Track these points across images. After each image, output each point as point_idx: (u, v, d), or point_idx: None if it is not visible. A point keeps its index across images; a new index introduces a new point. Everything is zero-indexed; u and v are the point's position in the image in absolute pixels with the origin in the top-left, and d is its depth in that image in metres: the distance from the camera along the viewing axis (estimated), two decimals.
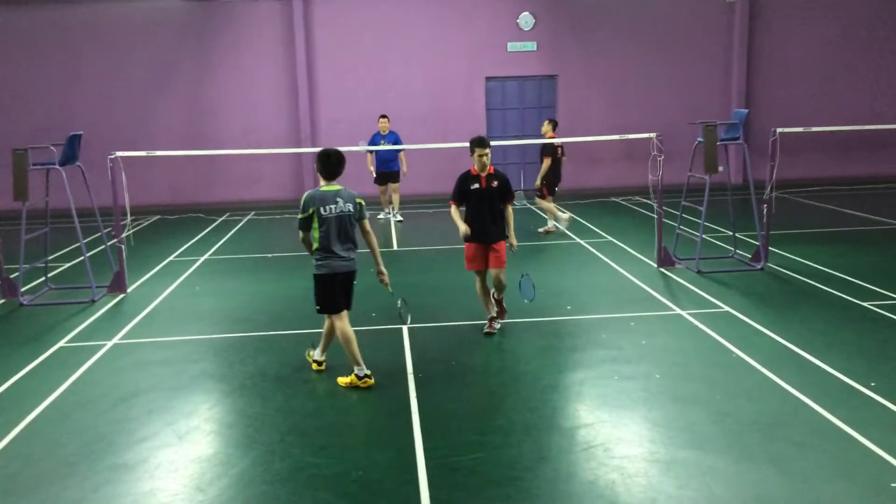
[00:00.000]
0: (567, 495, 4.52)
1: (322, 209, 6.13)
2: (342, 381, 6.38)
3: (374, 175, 15.02)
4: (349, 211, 6.23)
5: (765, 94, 19.43)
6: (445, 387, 6.21)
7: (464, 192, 7.47)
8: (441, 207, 16.74)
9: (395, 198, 15.16)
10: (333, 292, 6.29)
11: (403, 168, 15.04)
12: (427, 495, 4.54)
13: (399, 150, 14.74)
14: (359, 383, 6.26)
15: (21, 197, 8.98)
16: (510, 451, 5.08)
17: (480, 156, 7.37)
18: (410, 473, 4.82)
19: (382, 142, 14.58)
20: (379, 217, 15.24)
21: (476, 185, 7.41)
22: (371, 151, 14.78)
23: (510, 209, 7.57)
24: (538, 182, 13.15)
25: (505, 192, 7.51)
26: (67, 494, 4.68)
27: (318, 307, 6.34)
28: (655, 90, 19.22)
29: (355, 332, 6.37)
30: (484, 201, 7.42)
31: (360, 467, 4.92)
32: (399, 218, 15.13)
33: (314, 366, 6.75)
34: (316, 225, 6.17)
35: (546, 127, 13.15)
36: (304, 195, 6.24)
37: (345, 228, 6.24)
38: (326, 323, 6.53)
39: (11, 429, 5.64)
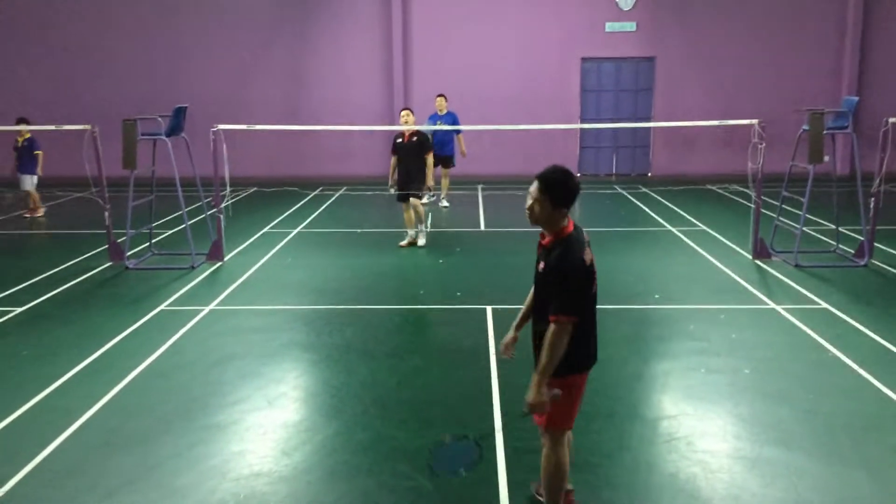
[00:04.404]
0: (646, 486, 4.47)
1: None
2: None
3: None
4: None
5: (879, 81, 18.39)
6: (527, 369, 6.19)
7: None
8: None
9: (445, 182, 14.22)
10: None
11: (462, 148, 13.91)
12: (504, 475, 4.58)
13: (457, 132, 13.56)
14: None
15: (130, 165, 9.41)
16: (591, 437, 5.06)
17: (530, 193, 3.79)
18: (488, 452, 4.86)
19: (439, 122, 13.47)
20: (439, 203, 14.53)
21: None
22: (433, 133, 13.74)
23: (549, 330, 3.81)
24: (431, 182, 11.08)
25: (548, 288, 3.82)
26: (164, 450, 4.94)
27: None
28: (759, 74, 18.49)
29: (441, 310, 6.38)
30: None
31: None
32: (445, 203, 14.30)
33: None
34: None
35: (411, 117, 10.87)
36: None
37: None
38: None
39: (115, 385, 5.98)
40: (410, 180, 10.71)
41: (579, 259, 3.71)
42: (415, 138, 10.73)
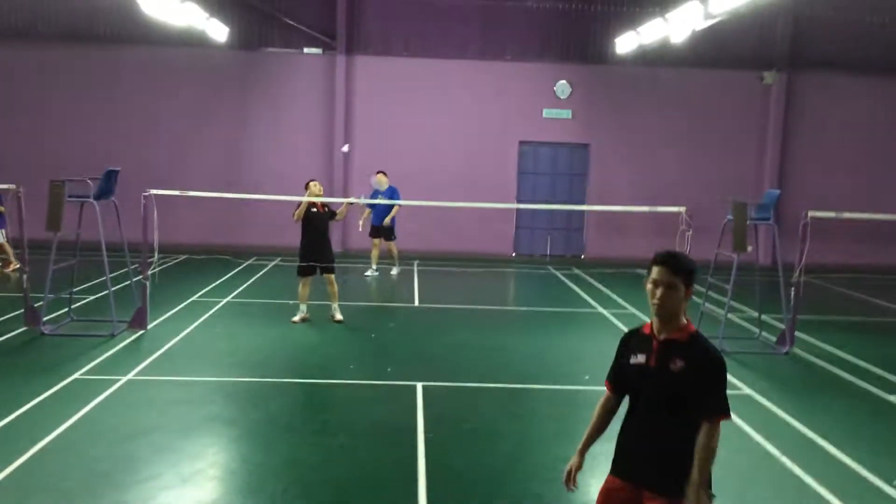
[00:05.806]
0: None
1: None
2: None
3: (370, 228, 15.09)
4: None
5: (799, 176, 19.34)
6: (455, 449, 6.10)
7: (620, 368, 3.63)
8: (466, 266, 16.76)
9: (394, 251, 15.29)
10: None
11: (386, 220, 14.80)
12: None
13: (393, 205, 14.54)
14: None
15: (54, 228, 9.10)
16: None
17: (657, 283, 3.28)
18: None
19: (380, 196, 14.49)
20: (366, 274, 14.99)
21: (641, 359, 3.44)
22: (371, 206, 14.70)
23: (704, 434, 3.30)
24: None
25: (695, 388, 3.27)
26: None
27: None
28: (687, 166, 19.24)
29: (370, 385, 6.29)
30: (649, 394, 3.48)
31: None
32: (373, 272, 14.99)
33: None
34: None
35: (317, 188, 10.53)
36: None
37: None
38: None
39: (15, 460, 5.59)
40: (319, 253, 10.44)
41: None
42: (326, 209, 10.58)
